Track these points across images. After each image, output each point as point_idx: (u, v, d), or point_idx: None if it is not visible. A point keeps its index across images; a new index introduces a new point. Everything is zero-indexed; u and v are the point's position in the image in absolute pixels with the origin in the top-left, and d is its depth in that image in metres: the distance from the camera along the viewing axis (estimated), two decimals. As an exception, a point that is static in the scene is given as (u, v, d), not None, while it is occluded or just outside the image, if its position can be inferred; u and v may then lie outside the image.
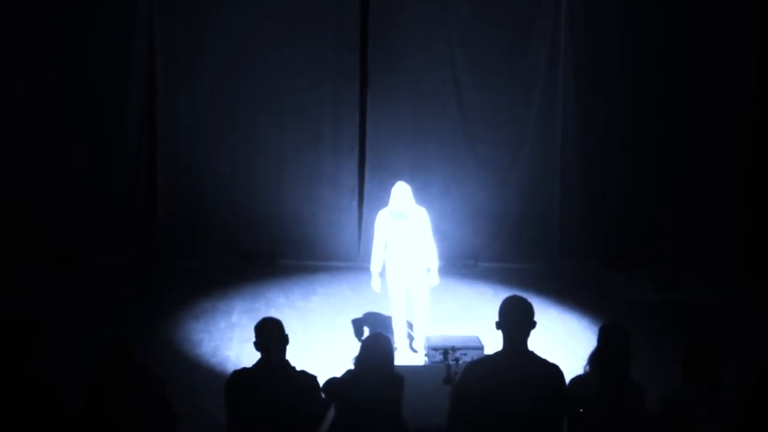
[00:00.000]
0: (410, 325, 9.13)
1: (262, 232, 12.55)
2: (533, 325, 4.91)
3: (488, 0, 12.61)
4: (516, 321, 4.88)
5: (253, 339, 5.42)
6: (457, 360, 6.96)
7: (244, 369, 5.48)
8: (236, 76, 12.51)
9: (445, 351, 7.27)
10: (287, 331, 5.47)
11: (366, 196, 12.85)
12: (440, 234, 12.53)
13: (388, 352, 5.62)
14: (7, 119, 12.08)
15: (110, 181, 12.36)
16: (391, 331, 8.98)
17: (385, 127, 12.73)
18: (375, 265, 8.70)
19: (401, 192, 8.58)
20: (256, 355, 5.49)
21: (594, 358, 5.30)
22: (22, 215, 12.07)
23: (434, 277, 8.84)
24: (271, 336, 5.39)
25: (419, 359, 8.68)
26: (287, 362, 5.43)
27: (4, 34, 11.97)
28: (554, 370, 4.94)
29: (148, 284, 11.72)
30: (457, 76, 12.70)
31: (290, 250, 12.56)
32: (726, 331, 9.57)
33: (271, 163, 12.72)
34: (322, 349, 8.86)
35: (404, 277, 8.70)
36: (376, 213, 9.49)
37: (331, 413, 5.49)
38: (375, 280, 8.75)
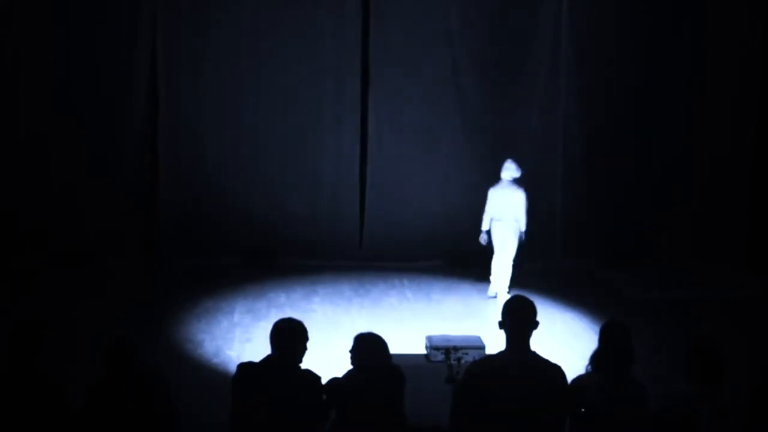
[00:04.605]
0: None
1: (264, 231, 12.54)
2: (536, 325, 4.91)
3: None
4: (519, 321, 4.87)
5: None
6: (458, 360, 6.95)
7: (250, 363, 5.47)
8: (238, 76, 12.51)
9: (447, 350, 7.26)
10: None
11: (367, 194, 12.86)
12: (442, 232, 12.65)
13: (383, 347, 5.65)
14: (9, 118, 12.08)
15: (113, 183, 12.37)
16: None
17: (387, 124, 12.74)
18: (484, 224, 11.02)
19: (509, 166, 10.84)
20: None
21: (596, 359, 5.30)
22: (25, 215, 12.06)
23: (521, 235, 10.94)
24: (290, 340, 5.38)
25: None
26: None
27: (6, 30, 11.96)
28: (556, 371, 4.94)
29: (150, 284, 11.73)
30: (458, 73, 12.72)
31: (292, 249, 12.55)
32: (728, 329, 9.56)
33: (272, 161, 12.73)
34: (324, 349, 8.85)
35: (500, 235, 10.93)
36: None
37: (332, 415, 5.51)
38: (483, 236, 11.05)
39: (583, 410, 5.18)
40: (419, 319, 10.27)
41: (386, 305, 11.01)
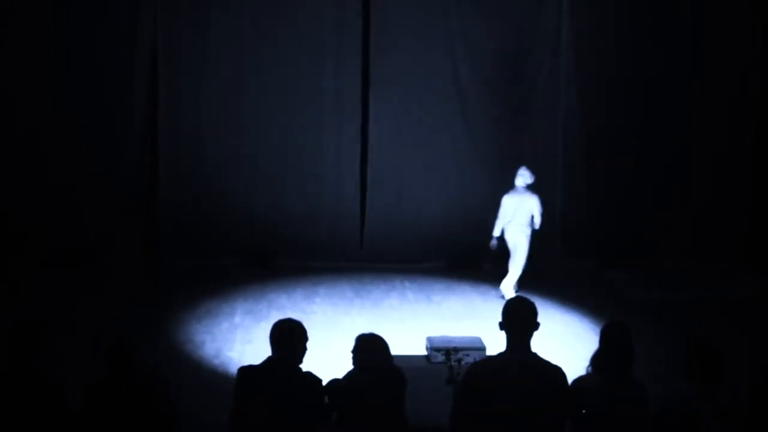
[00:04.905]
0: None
1: (264, 231, 12.54)
2: (536, 326, 4.90)
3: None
4: (519, 322, 4.86)
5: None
6: (459, 361, 6.94)
7: (251, 366, 5.47)
8: (238, 76, 12.52)
9: (448, 352, 7.25)
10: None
11: (368, 195, 12.85)
12: (442, 233, 12.65)
13: (384, 348, 5.65)
14: (9, 118, 12.07)
15: (113, 183, 12.37)
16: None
17: (387, 124, 12.73)
18: (496, 231, 11.09)
19: (524, 173, 10.98)
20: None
21: (596, 360, 5.30)
22: (26, 216, 12.07)
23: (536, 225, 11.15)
24: (289, 341, 5.37)
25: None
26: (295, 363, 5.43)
27: (6, 30, 11.96)
28: (557, 372, 4.93)
29: (150, 284, 11.73)
30: (458, 73, 12.72)
31: (292, 249, 12.54)
32: (728, 329, 9.56)
33: (272, 161, 12.72)
34: (324, 349, 8.85)
35: (512, 240, 11.01)
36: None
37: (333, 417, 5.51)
38: (493, 242, 11.12)
39: (583, 411, 5.18)
40: (420, 320, 10.27)
41: (387, 306, 11.00)
